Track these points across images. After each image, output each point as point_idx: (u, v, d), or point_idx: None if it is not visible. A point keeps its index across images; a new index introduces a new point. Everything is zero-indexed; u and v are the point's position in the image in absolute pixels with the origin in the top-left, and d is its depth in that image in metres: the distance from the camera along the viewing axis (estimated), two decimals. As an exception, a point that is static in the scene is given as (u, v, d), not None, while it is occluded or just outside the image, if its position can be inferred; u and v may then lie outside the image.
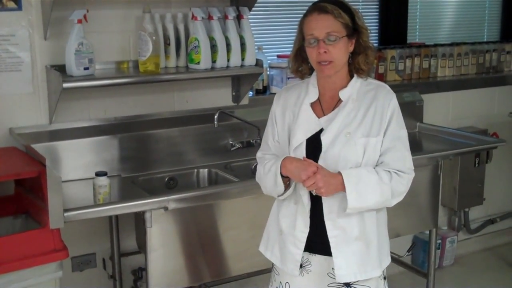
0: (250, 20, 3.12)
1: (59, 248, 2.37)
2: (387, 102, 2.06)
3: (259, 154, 2.26)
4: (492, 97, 4.34)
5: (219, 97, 3.28)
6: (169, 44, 2.99)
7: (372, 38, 2.13)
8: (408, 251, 3.69)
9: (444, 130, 3.76)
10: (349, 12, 2.03)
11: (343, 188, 1.98)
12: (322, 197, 2.04)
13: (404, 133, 2.10)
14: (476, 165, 4.08)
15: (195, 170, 3.13)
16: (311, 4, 2.07)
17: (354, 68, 2.08)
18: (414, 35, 4.34)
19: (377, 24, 4.15)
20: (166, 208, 2.54)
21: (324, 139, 2.05)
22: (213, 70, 3.01)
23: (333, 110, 2.09)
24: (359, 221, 2.07)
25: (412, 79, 4.02)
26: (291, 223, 2.13)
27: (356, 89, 2.08)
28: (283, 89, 2.27)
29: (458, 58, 4.18)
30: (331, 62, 2.00)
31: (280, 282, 2.21)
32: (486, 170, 4.14)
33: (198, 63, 2.96)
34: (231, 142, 3.24)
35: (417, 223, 3.37)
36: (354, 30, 2.03)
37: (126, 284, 3.15)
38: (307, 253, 2.13)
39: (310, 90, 2.13)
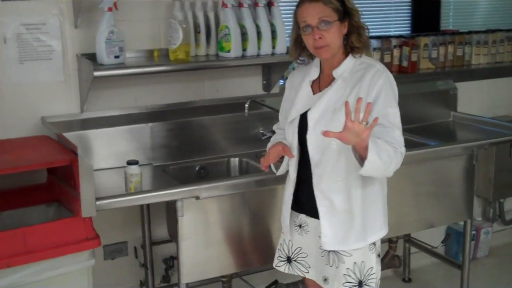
0: (280, 7, 3.09)
1: (91, 237, 2.37)
2: (374, 81, 2.14)
3: (274, 127, 2.55)
4: (528, 85, 4.24)
5: (250, 85, 3.25)
6: (199, 32, 2.96)
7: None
8: (442, 242, 3.64)
9: (478, 119, 3.69)
10: None
11: (364, 150, 2.00)
12: (312, 169, 2.22)
13: (392, 112, 2.15)
14: (512, 155, 4.00)
15: (226, 159, 3.11)
16: None
17: (349, 48, 2.21)
18: (448, 22, 4.26)
19: (409, 11, 4.07)
20: (197, 197, 2.52)
21: (310, 115, 2.21)
22: (244, 58, 2.99)
23: (327, 87, 2.23)
24: (344, 194, 2.19)
25: (445, 67, 3.94)
26: (286, 191, 2.36)
27: (349, 68, 2.20)
28: (296, 69, 2.44)
29: (493, 45, 4.10)
30: (327, 46, 2.15)
31: (284, 239, 2.43)
32: (522, 160, 4.05)
33: (229, 51, 2.93)
34: (261, 131, 3.22)
35: (452, 214, 3.31)
36: (346, 13, 2.16)
37: (158, 273, 3.16)
38: (304, 215, 2.33)
39: (313, 69, 2.30)
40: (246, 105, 3.02)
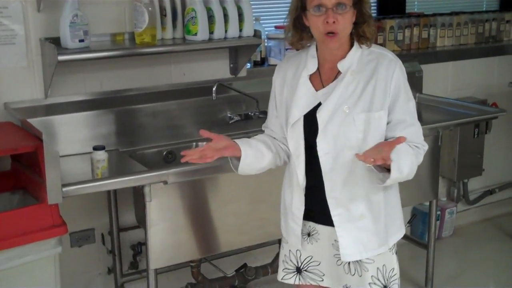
0: (247, -10, 3.07)
1: (58, 224, 2.34)
2: (390, 73, 1.96)
3: (263, 126, 2.25)
4: (492, 67, 4.30)
5: (217, 69, 3.23)
6: (165, 15, 2.93)
7: (371, 8, 2.08)
8: (408, 222, 3.69)
9: (443, 101, 3.72)
10: None
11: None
12: (324, 175, 2.00)
13: (412, 105, 2.02)
14: (475, 136, 4.06)
15: (194, 143, 3.09)
16: None
17: (358, 37, 1.99)
18: (413, 4, 4.29)
19: (375, -7, 4.09)
20: (165, 182, 2.50)
21: (320, 116, 1.97)
22: (211, 41, 2.96)
23: (332, 82, 2.00)
24: (364, 198, 2.01)
25: (411, 49, 3.97)
26: (290, 199, 2.13)
27: (356, 60, 1.98)
28: (284, 59, 2.21)
29: (457, 27, 4.14)
30: (337, 34, 1.91)
31: (290, 250, 2.20)
32: (485, 140, 4.12)
33: (195, 34, 2.91)
34: (229, 115, 3.20)
35: (417, 194, 3.35)
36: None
37: (126, 259, 3.14)
38: (312, 223, 2.11)
39: (309, 61, 2.04)
40: (214, 89, 3.00)
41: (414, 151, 1.97)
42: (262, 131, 2.24)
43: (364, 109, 1.95)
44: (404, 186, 3.16)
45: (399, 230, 2.15)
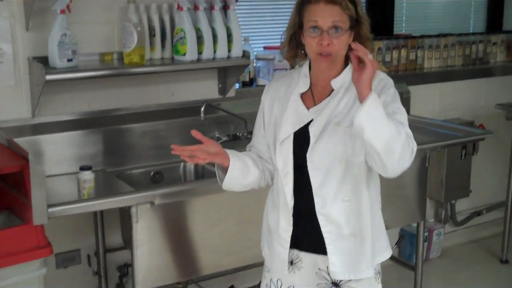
0: (236, 11, 3.08)
1: (43, 245, 2.31)
2: (379, 88, 1.92)
3: (247, 147, 2.20)
4: (479, 88, 4.34)
5: (205, 89, 3.23)
6: (154, 35, 2.93)
7: (369, 30, 2.06)
8: (396, 244, 3.68)
9: (431, 122, 3.74)
10: (353, 2, 1.94)
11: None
12: (314, 192, 1.96)
13: (400, 109, 1.92)
14: (463, 157, 4.08)
15: (182, 164, 3.08)
16: None
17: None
18: (401, 26, 4.32)
19: (363, 15, 4.11)
20: (152, 203, 2.49)
21: (312, 130, 1.95)
22: (199, 61, 2.96)
23: (325, 99, 1.99)
24: (353, 216, 1.98)
25: (399, 70, 4.00)
26: (276, 221, 2.07)
27: (349, 78, 1.95)
28: (274, 79, 2.21)
29: (444, 49, 4.18)
30: (331, 55, 1.91)
31: (271, 279, 2.14)
32: (473, 162, 4.14)
33: (184, 54, 2.91)
34: (217, 135, 3.20)
35: (405, 216, 3.35)
36: (356, 21, 1.94)
37: (112, 281, 3.11)
38: (296, 250, 2.05)
39: (301, 80, 2.03)
40: (202, 109, 3.00)
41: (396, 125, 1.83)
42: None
43: (351, 123, 1.90)
44: (391, 207, 3.19)
45: (385, 251, 2.11)
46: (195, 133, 1.96)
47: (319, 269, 2.04)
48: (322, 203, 1.97)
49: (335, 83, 1.98)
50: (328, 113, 1.96)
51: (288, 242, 2.04)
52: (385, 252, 2.12)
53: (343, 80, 1.98)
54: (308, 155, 1.96)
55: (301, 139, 1.98)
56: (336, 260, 1.99)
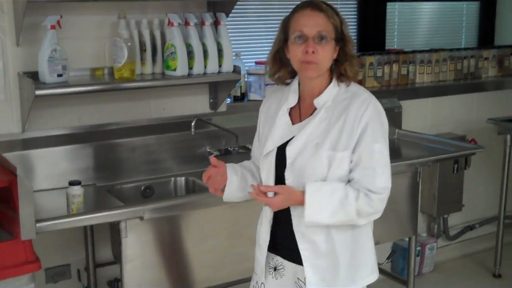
0: (227, 26, 3.09)
1: (31, 260, 2.30)
2: (360, 113, 1.93)
3: (251, 155, 2.27)
4: (470, 103, 4.35)
5: (196, 104, 3.24)
6: (145, 51, 2.94)
7: (354, 48, 2.08)
8: (387, 258, 3.68)
9: (423, 137, 3.75)
10: (339, 17, 1.98)
11: (302, 202, 1.90)
12: (291, 210, 1.99)
13: (379, 147, 1.94)
14: (455, 171, 4.08)
15: (172, 178, 3.08)
16: (298, 3, 2.00)
17: (338, 74, 1.99)
18: (393, 41, 4.35)
19: (355, 30, 4.13)
20: (141, 218, 2.49)
21: (289, 149, 1.98)
22: (190, 76, 2.97)
23: (308, 117, 2.02)
24: (326, 237, 1.98)
25: (390, 85, 4.01)
26: (259, 230, 2.16)
27: (332, 96, 1.98)
28: (271, 90, 2.24)
29: (436, 64, 4.19)
30: (316, 64, 1.93)
31: (257, 281, 2.20)
32: (465, 176, 4.14)
33: (175, 69, 2.92)
34: (208, 150, 3.20)
35: (397, 230, 3.36)
36: (341, 38, 1.97)
37: (102, 295, 3.10)
38: (280, 257, 2.10)
39: (290, 95, 2.06)
40: (193, 124, 3.01)
41: (352, 195, 1.91)
42: None
43: (330, 147, 1.94)
44: (383, 222, 3.17)
45: (370, 274, 2.08)
46: (213, 160, 2.05)
47: (298, 279, 2.07)
48: (297, 221, 1.99)
49: (318, 102, 2.00)
50: (307, 133, 1.98)
51: (265, 250, 2.10)
52: (371, 276, 2.09)
53: (325, 99, 1.99)
54: (286, 173, 2.00)
55: (283, 155, 2.01)
56: (312, 277, 2.00)
